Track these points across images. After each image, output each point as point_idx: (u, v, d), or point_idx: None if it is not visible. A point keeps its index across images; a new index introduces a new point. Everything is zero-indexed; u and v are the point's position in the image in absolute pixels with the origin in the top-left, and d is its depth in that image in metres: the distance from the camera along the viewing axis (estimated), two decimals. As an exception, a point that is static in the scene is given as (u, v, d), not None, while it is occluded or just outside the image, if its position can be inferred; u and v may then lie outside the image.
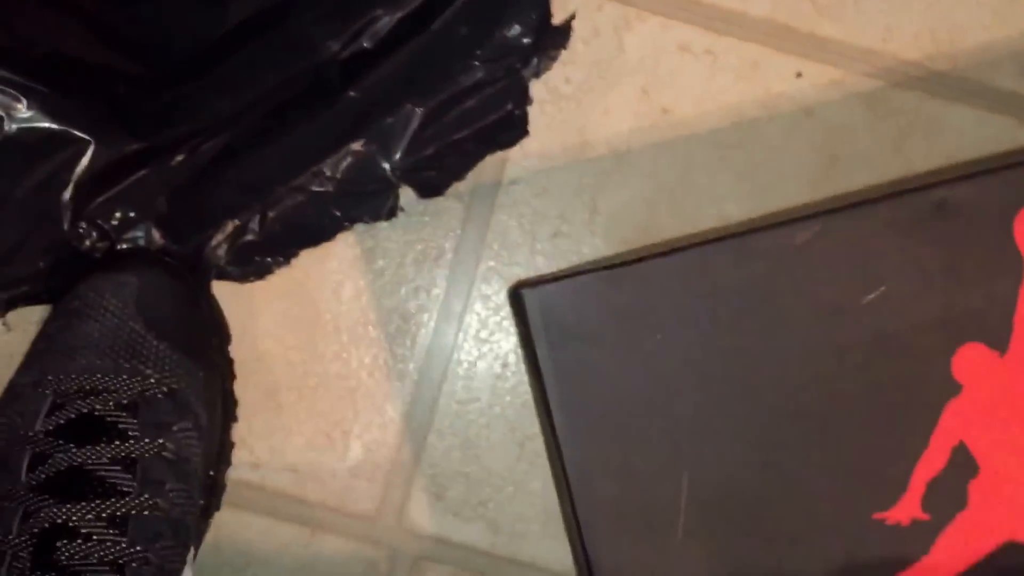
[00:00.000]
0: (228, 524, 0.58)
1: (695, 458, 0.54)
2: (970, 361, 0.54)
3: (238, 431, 0.58)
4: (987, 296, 0.55)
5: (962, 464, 0.55)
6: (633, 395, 0.54)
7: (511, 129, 0.56)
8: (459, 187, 0.58)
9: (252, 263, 0.57)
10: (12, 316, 0.57)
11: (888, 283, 0.54)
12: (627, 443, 0.54)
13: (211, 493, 0.56)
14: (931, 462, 0.54)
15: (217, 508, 0.57)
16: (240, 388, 0.58)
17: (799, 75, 0.59)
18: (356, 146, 0.56)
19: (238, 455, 0.58)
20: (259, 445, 0.58)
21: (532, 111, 0.57)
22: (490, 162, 0.58)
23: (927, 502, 0.54)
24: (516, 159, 0.59)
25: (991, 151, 0.59)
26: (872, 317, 0.54)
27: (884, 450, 0.54)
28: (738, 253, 0.54)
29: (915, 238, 0.54)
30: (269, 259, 0.57)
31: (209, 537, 0.57)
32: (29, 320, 0.57)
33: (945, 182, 0.54)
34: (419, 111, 0.56)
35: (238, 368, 0.58)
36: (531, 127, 0.57)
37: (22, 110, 0.55)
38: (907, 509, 0.54)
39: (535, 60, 0.56)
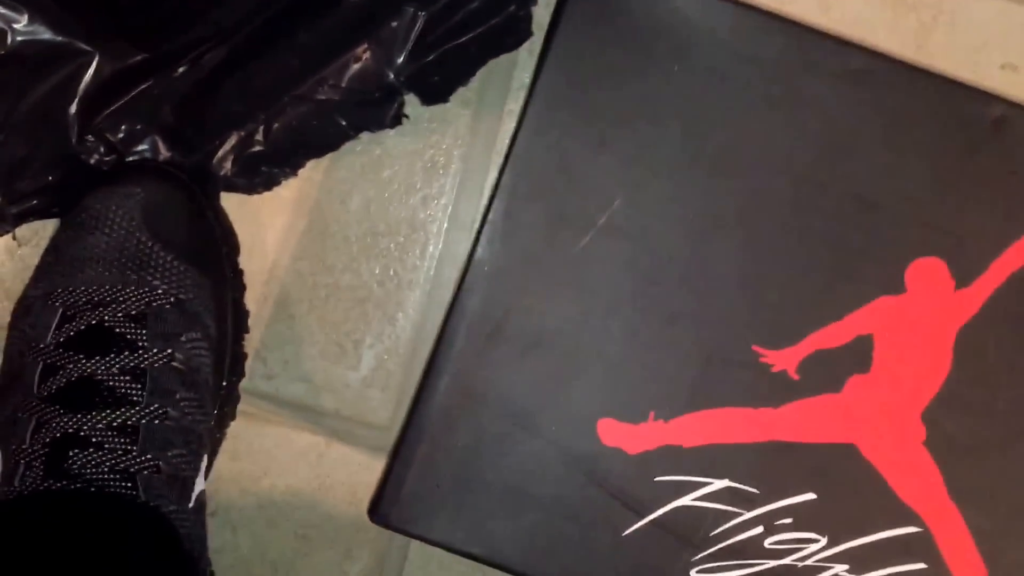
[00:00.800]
0: (243, 435, 0.59)
1: (636, 191, 0.54)
2: (927, 274, 0.54)
3: (250, 342, 0.58)
4: (984, 229, 0.54)
5: (858, 354, 0.54)
6: (618, 105, 0.54)
7: (515, 32, 0.55)
8: (467, 94, 0.57)
9: (259, 174, 0.57)
10: (23, 230, 0.57)
11: (905, 157, 0.54)
12: (587, 140, 0.54)
13: (225, 404, 0.57)
14: (832, 335, 0.54)
15: (232, 419, 0.58)
16: (251, 300, 0.58)
17: (816, -31, 0.57)
18: (359, 52, 0.55)
19: (251, 366, 0.58)
20: (272, 356, 0.59)
21: (537, 12, 0.55)
22: (498, 68, 0.57)
23: (805, 366, 0.54)
24: (524, 63, 0.57)
25: (1018, 47, 0.57)
26: (870, 179, 0.54)
27: (802, 298, 0.54)
28: (788, 39, 0.54)
29: (953, 136, 0.53)
30: (276, 170, 0.57)
31: (225, 447, 0.58)
32: (41, 235, 0.57)
33: (1016, 104, 0.54)
34: (422, 14, 0.55)
35: (248, 280, 0.58)
36: (536, 29, 0.56)
37: (24, 23, 0.55)
38: (784, 360, 0.54)
39: (539, -41, 0.55)
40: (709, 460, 0.54)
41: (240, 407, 0.58)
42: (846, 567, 0.54)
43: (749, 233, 0.54)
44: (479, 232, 0.55)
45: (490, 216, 0.55)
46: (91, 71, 0.55)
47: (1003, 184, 0.54)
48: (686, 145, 0.54)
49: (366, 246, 0.58)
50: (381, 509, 0.55)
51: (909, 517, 0.54)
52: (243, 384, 0.58)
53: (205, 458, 0.52)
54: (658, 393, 0.54)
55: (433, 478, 0.54)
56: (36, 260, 0.54)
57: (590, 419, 0.54)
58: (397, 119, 0.56)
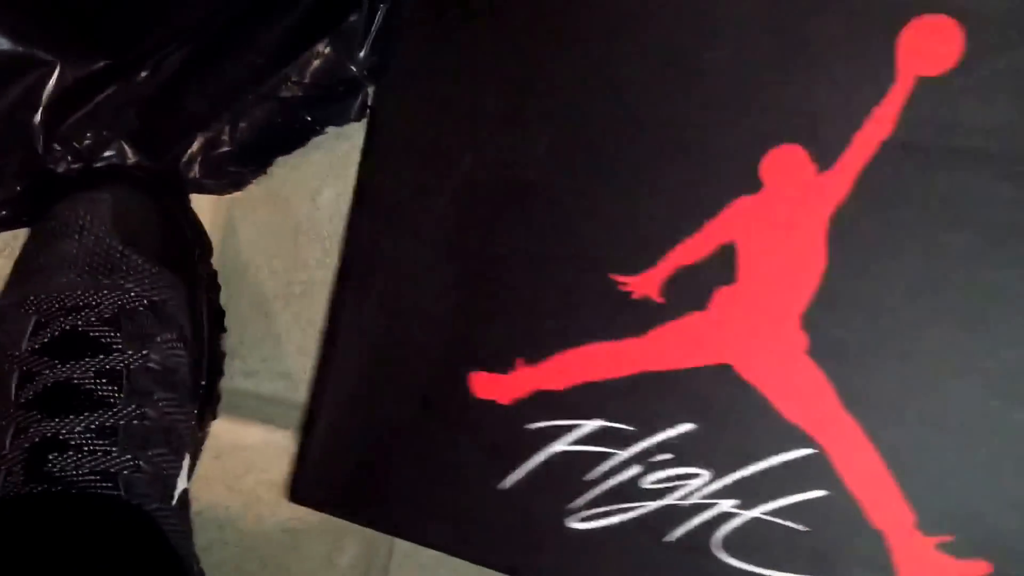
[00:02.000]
0: (226, 433, 0.59)
1: (483, 146, 0.53)
2: (783, 164, 0.49)
3: (228, 341, 0.58)
4: (838, 103, 0.48)
5: (721, 266, 0.50)
6: (450, 71, 0.54)
7: (474, 18, 0.55)
8: (430, 83, 0.58)
9: (227, 174, 0.57)
10: (-6, 241, 0.58)
11: (733, 45, 0.49)
12: (433, 109, 0.54)
13: (206, 403, 0.57)
14: (693, 249, 0.50)
15: (214, 417, 0.58)
16: (227, 299, 0.58)
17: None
18: (320, 48, 0.55)
19: (231, 365, 0.58)
20: (251, 354, 0.59)
21: None
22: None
23: (668, 288, 0.50)
24: (485, 51, 0.58)
25: None
26: (702, 76, 0.50)
27: (654, 215, 0.50)
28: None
29: (788, 9, 0.49)
30: (244, 169, 0.57)
31: (208, 446, 0.58)
32: (12, 245, 0.58)
33: None
34: (382, 6, 0.55)
35: (223, 280, 0.58)
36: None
37: (-16, 34, 0.55)
38: (645, 284, 0.50)
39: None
40: (581, 401, 0.51)
41: (221, 405, 0.58)
42: (735, 502, 0.49)
43: (586, 158, 0.51)
44: (353, 209, 0.56)
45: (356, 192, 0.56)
46: (54, 79, 0.56)
47: (851, 46, 0.48)
48: (506, 87, 0.53)
49: (338, 241, 0.59)
50: (296, 489, 0.57)
51: (800, 438, 0.49)
52: (223, 382, 0.58)
53: (188, 457, 0.53)
54: (521, 338, 0.52)
55: (334, 454, 0.55)
56: (8, 270, 0.54)
57: (462, 374, 0.53)
58: (362, 112, 0.57)
